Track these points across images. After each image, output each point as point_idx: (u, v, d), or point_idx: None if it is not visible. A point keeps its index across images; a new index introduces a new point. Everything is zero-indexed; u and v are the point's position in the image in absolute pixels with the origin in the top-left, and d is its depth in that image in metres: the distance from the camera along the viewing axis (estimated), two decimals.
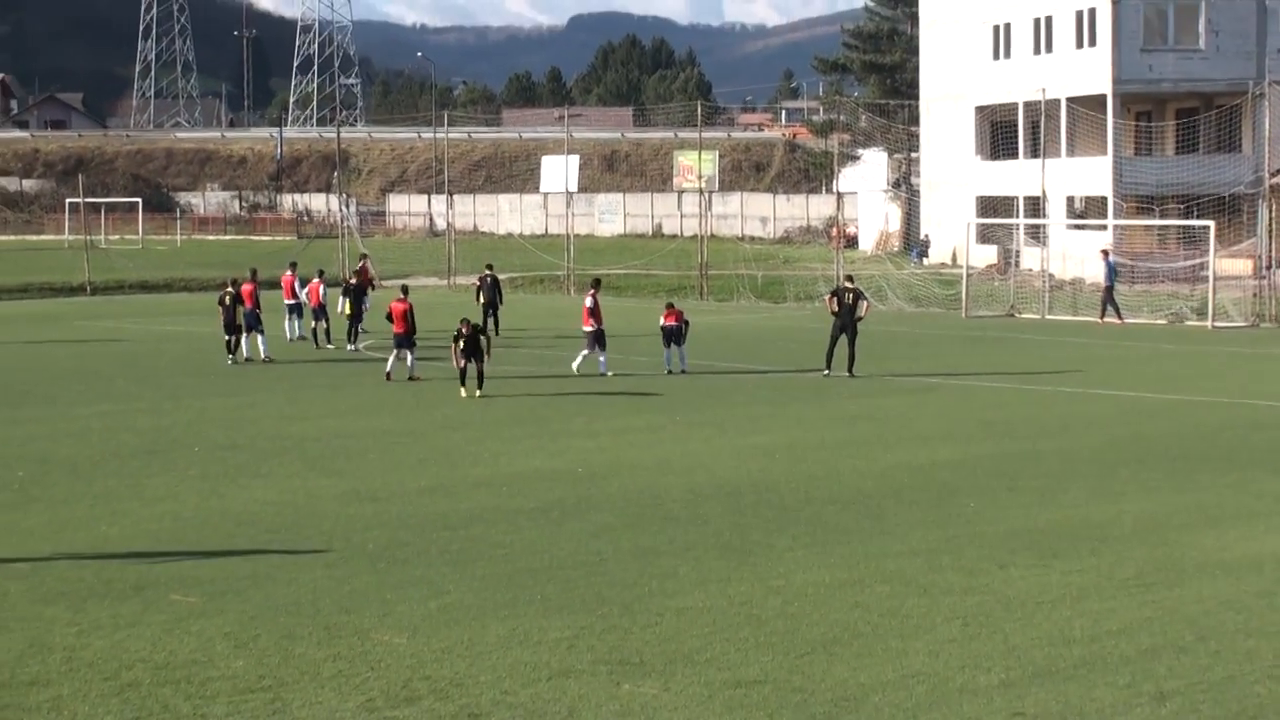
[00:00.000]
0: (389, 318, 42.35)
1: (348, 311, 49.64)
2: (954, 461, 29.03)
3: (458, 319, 39.73)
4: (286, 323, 53.45)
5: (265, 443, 31.56)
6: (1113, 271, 62.16)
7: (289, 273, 54.08)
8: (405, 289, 45.33)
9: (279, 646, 17.10)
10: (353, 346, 49.29)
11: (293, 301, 53.31)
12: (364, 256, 52.80)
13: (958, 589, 19.41)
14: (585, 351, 43.22)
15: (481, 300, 53.93)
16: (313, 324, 51.67)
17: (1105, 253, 63.11)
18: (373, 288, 58.10)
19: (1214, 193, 74.70)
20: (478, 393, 38.74)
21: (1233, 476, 27.37)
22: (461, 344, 38.43)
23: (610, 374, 42.43)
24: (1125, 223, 79.07)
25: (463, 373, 38.89)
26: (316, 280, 51.83)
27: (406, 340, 42.11)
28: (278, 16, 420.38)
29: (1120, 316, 60.46)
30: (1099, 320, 60.57)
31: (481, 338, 39.14)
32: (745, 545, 21.89)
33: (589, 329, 42.83)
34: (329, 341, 50.80)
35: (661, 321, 44.25)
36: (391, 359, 42.54)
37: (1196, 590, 19.40)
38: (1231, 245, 70.94)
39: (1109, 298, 61.39)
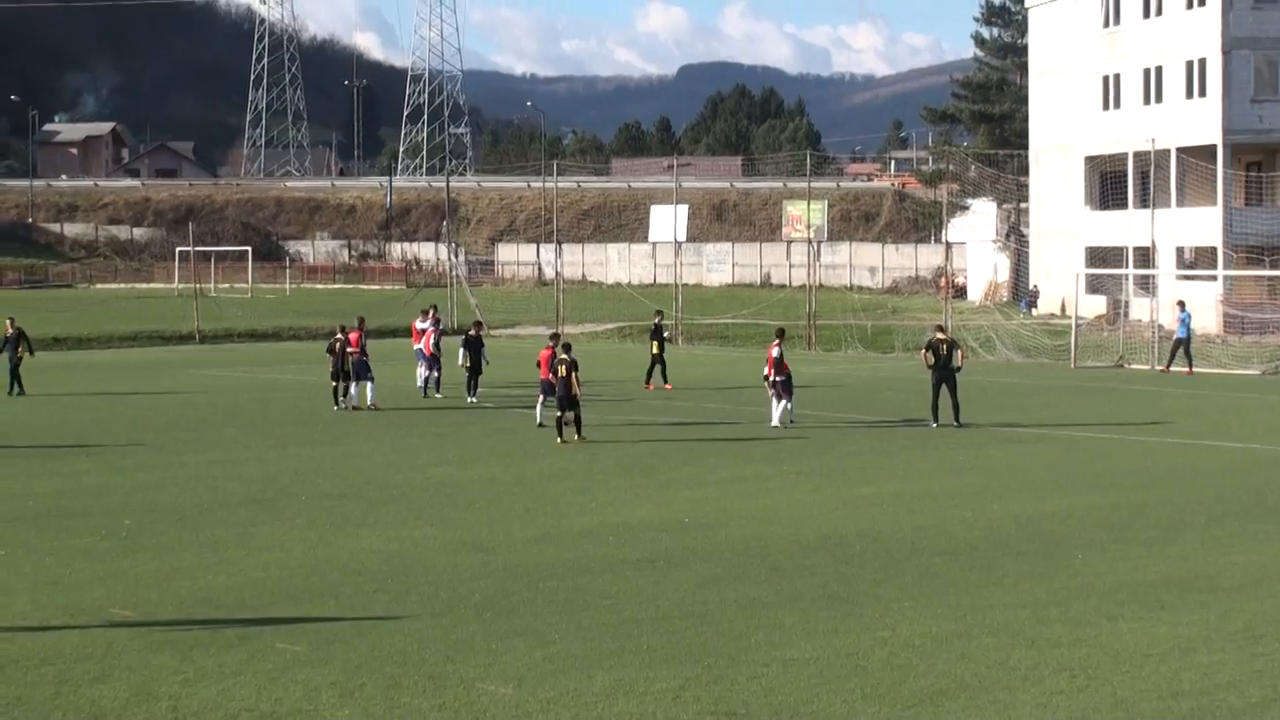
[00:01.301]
0: (537, 364, 42.21)
1: (467, 364, 49.51)
2: (1061, 513, 28.81)
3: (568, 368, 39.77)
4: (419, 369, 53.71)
5: (372, 492, 31.69)
6: (1187, 322, 61.49)
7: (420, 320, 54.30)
8: (555, 336, 45.39)
9: (384, 696, 17.09)
10: (472, 399, 49.24)
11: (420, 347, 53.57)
12: (477, 324, 52.57)
13: (1065, 641, 19.24)
14: (779, 403, 42.44)
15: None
16: (428, 373, 51.65)
17: (1181, 304, 62.54)
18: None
19: None
20: (576, 437, 38.93)
21: None
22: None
23: (791, 423, 42.19)
24: (1236, 273, 78.44)
25: (559, 420, 39.26)
26: (431, 328, 51.96)
27: (553, 387, 41.70)
28: (388, 66, 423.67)
29: (1175, 368, 60.03)
30: (1164, 369, 60.17)
31: (574, 376, 39.34)
32: (852, 596, 21.79)
33: (778, 378, 42.35)
34: (439, 391, 50.89)
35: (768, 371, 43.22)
36: (539, 406, 42.79)
37: None
38: None
39: (1182, 348, 60.81)
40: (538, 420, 42.55)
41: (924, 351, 43.96)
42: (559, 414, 39.66)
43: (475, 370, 49.41)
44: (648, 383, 53.40)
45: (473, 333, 50.58)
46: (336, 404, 47.53)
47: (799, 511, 29.00)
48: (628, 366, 61.10)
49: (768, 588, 22.36)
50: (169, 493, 31.68)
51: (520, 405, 47.75)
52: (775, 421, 42.19)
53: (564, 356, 40.03)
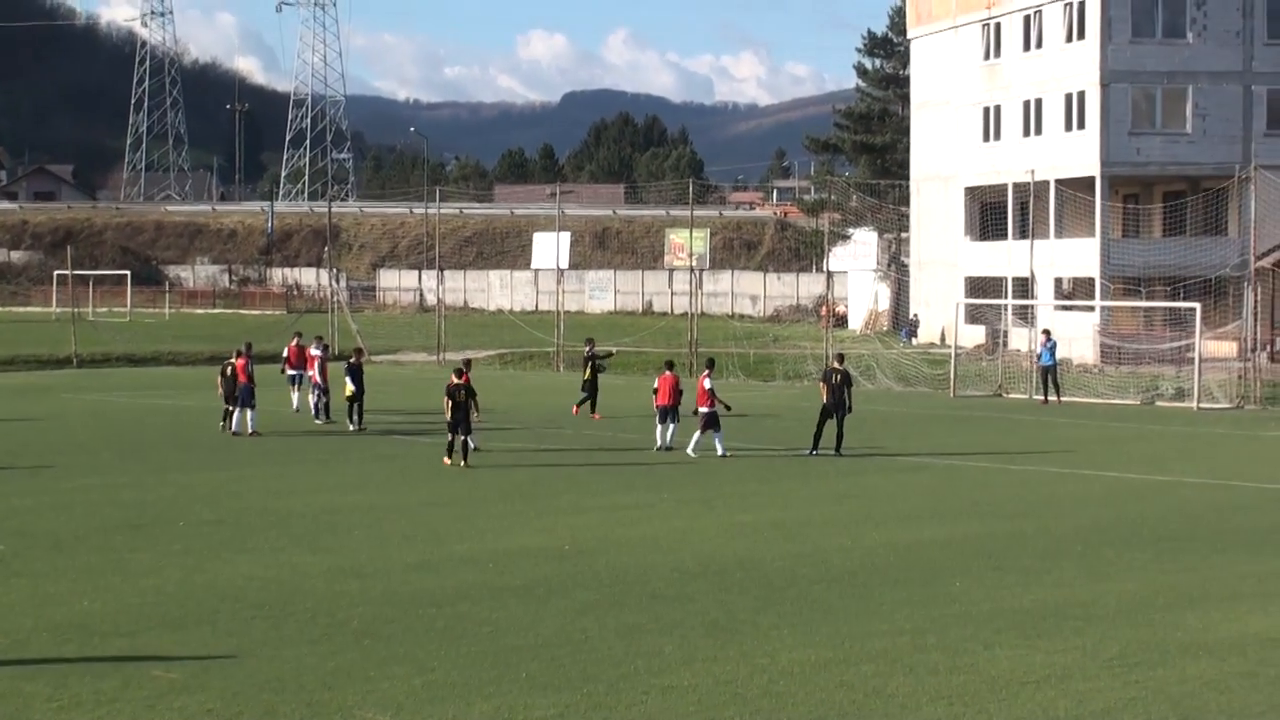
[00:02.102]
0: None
1: (350, 391, 49.04)
2: (940, 541, 28.99)
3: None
4: (295, 393, 53.72)
5: (251, 518, 31.43)
6: (1052, 352, 62.00)
7: (293, 342, 54.42)
8: (467, 363, 45.31)
9: None
10: (353, 426, 48.88)
11: (295, 372, 53.56)
12: (358, 351, 52.31)
13: (943, 668, 19.34)
14: (699, 434, 42.45)
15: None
16: (313, 398, 51.61)
17: (1046, 334, 63.13)
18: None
19: (1200, 275, 75.13)
20: (463, 463, 39.05)
21: (1217, 558, 27.39)
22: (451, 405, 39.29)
23: (729, 454, 42.15)
24: (1112, 304, 79.41)
25: (450, 444, 39.53)
26: (318, 353, 51.95)
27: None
28: (270, 90, 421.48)
29: (1050, 397, 60.72)
30: (1044, 401, 60.71)
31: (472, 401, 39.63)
32: (731, 624, 21.80)
33: (705, 410, 42.29)
34: (330, 417, 50.71)
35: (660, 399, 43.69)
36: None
37: (1180, 671, 19.36)
38: (1217, 327, 71.23)
39: (1050, 377, 61.39)
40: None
41: (821, 384, 44.08)
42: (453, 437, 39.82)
43: (357, 397, 49.07)
44: (576, 407, 53.20)
45: (354, 360, 50.30)
46: (223, 424, 47.67)
47: (679, 539, 29.01)
48: (509, 393, 61.06)
49: (647, 615, 22.34)
50: (44, 518, 31.32)
51: (401, 432, 47.65)
52: (720, 451, 42.12)
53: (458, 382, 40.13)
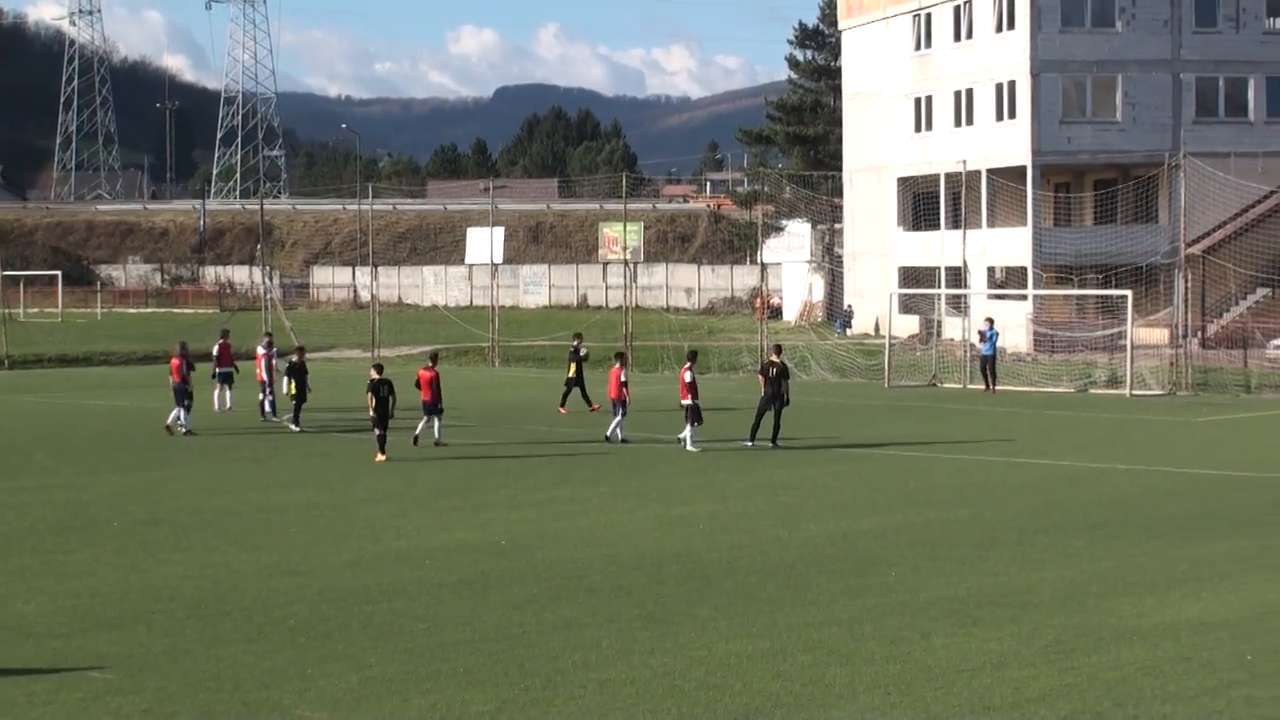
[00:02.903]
0: (417, 385, 43.12)
1: (292, 391, 48.68)
2: (876, 530, 29.04)
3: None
4: (216, 393, 53.31)
5: (185, 517, 31.25)
6: (993, 341, 62.17)
7: (221, 340, 53.98)
8: (435, 357, 46.01)
9: None
10: (296, 427, 48.28)
11: (225, 370, 53.15)
12: (300, 350, 51.95)
13: (879, 658, 19.37)
14: (690, 427, 42.42)
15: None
16: (260, 396, 51.38)
17: (990, 321, 63.22)
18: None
19: (1131, 263, 75.54)
20: (380, 457, 39.73)
21: (1150, 543, 27.50)
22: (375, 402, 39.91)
23: (697, 449, 42.22)
24: (1045, 293, 79.80)
25: (381, 440, 39.97)
26: (264, 350, 51.73)
27: (434, 407, 43.03)
28: (201, 88, 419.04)
29: (992, 387, 60.90)
30: (985, 389, 60.92)
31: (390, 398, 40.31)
32: (668, 616, 21.79)
33: (686, 403, 42.31)
34: (275, 414, 50.53)
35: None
36: (421, 425, 43.35)
37: (1115, 656, 19.42)
38: (1149, 315, 71.61)
39: (989, 366, 61.61)
40: (415, 435, 43.35)
41: (760, 376, 44.14)
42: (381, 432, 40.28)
43: (301, 398, 48.67)
44: (562, 406, 53.03)
45: (296, 359, 50.00)
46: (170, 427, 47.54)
47: (616, 532, 29.00)
48: (445, 389, 60.73)
49: (584, 609, 22.31)
50: None
51: (337, 430, 47.53)
52: (690, 446, 42.09)
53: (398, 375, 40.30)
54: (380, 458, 39.93)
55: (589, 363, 55.64)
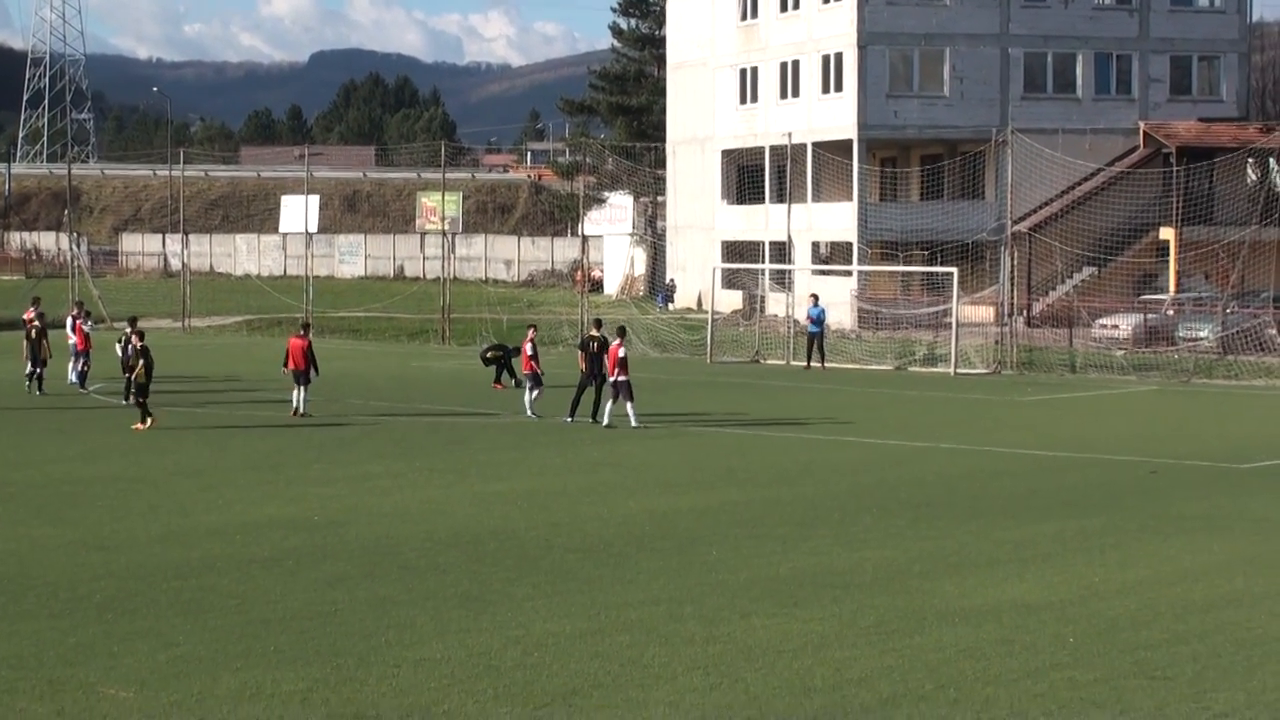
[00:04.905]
0: (286, 355, 43.12)
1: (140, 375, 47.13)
2: (696, 509, 28.94)
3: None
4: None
5: None
6: (820, 318, 62.10)
7: (32, 309, 53.08)
8: (306, 326, 45.70)
9: None
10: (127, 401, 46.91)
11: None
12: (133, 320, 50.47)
13: (699, 638, 19.27)
14: (612, 403, 41.61)
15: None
16: (71, 365, 50.45)
17: (815, 298, 63.18)
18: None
19: (958, 239, 75.75)
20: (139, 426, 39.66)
21: (974, 524, 27.57)
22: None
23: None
24: (870, 269, 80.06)
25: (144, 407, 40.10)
26: (79, 319, 50.76)
27: (305, 376, 42.86)
28: (6, 49, 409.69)
29: (823, 363, 61.00)
30: (806, 366, 60.95)
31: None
32: (485, 595, 21.60)
33: (620, 379, 41.25)
34: (83, 385, 49.57)
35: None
36: (295, 395, 43.03)
37: (937, 638, 19.45)
38: (975, 292, 72.10)
39: (817, 343, 61.61)
40: (294, 409, 43.01)
41: (580, 355, 43.34)
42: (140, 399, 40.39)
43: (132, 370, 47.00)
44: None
45: (130, 331, 47.75)
46: (28, 387, 48.11)
47: (431, 509, 28.74)
48: (257, 361, 60.23)
49: (399, 586, 22.09)
50: None
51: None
52: (609, 421, 41.40)
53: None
54: (139, 426, 39.71)
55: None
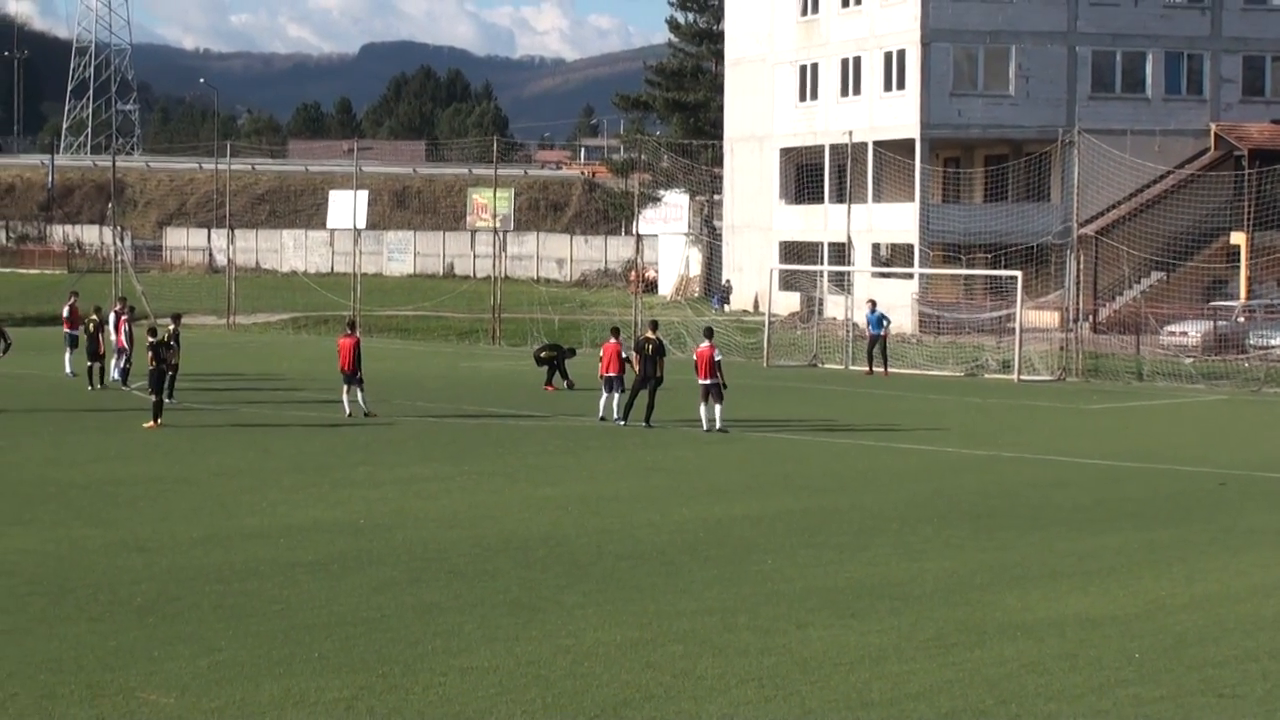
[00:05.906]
0: (340, 353, 43.03)
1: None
2: (752, 516, 28.62)
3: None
4: (67, 356, 52.79)
5: (27, 489, 30.58)
6: (878, 323, 61.48)
7: (70, 301, 53.60)
8: (353, 324, 45.41)
9: (38, 706, 16.34)
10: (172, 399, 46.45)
11: (74, 333, 52.37)
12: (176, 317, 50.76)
13: (754, 649, 18.98)
14: (708, 406, 41.41)
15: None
16: (115, 362, 50.57)
17: (872, 304, 62.56)
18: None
19: (1022, 242, 75.00)
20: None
21: (1036, 535, 27.16)
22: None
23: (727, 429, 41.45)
24: (932, 271, 79.36)
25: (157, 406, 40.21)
26: (124, 316, 51.03)
27: (353, 377, 42.67)
28: (51, 37, 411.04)
29: (875, 369, 60.36)
30: (868, 371, 60.38)
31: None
32: (534, 602, 21.34)
33: (708, 381, 41.08)
34: (126, 383, 49.64)
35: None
36: (345, 396, 42.97)
37: (998, 652, 19.12)
38: (1039, 296, 71.53)
39: (878, 348, 60.95)
40: (346, 412, 42.92)
41: (635, 356, 42.93)
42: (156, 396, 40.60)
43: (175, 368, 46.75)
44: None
45: (173, 328, 47.71)
46: (91, 384, 48.67)
47: (480, 513, 28.47)
48: (303, 359, 60.23)
49: (446, 593, 21.85)
50: None
51: (190, 401, 46.46)
52: (707, 425, 41.15)
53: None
54: (150, 425, 39.69)
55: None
